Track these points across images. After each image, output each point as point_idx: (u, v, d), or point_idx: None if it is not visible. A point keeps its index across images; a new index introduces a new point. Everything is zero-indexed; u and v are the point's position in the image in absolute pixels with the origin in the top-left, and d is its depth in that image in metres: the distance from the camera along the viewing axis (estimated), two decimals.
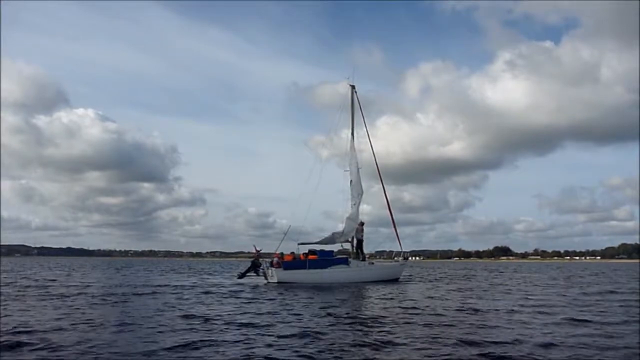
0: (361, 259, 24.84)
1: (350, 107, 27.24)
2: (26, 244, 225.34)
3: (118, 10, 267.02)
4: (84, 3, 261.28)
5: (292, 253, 23.74)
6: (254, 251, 24.55)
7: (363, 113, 27.04)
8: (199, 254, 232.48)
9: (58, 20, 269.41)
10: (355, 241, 25.26)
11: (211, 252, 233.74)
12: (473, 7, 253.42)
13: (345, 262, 23.95)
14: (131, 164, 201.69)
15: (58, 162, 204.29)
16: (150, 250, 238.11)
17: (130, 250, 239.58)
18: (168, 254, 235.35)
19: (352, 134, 26.79)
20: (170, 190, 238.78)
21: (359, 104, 27.13)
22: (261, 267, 23.61)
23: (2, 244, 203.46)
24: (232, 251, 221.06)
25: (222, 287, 20.28)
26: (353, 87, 27.52)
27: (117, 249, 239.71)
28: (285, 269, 22.59)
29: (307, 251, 24.02)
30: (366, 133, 26.79)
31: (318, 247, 24.20)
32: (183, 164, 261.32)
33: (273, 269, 22.68)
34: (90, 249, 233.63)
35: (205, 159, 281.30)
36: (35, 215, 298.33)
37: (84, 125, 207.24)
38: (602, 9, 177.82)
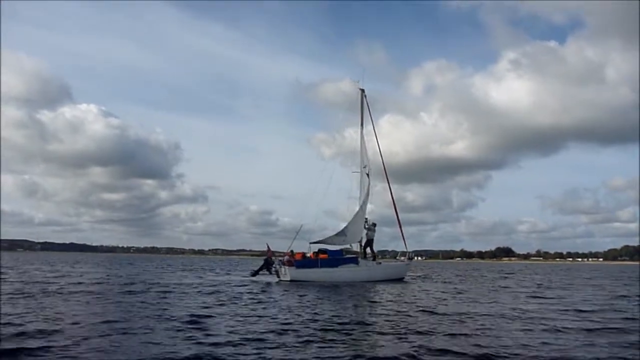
0: (371, 258, 25.53)
1: (359, 111, 27.79)
2: (29, 238, 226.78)
3: (121, 5, 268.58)
4: None
5: (304, 253, 24.41)
6: (266, 249, 25.21)
7: (372, 117, 27.63)
8: (200, 251, 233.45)
9: (61, 15, 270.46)
10: (364, 240, 25.89)
11: (213, 249, 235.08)
12: (477, 5, 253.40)
13: (355, 261, 24.64)
14: (134, 160, 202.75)
15: (61, 158, 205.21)
16: (153, 247, 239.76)
17: (133, 247, 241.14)
18: (170, 250, 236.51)
19: (362, 137, 27.31)
20: (173, 187, 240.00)
21: (369, 108, 27.71)
22: (273, 266, 24.32)
23: (5, 238, 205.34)
24: (234, 249, 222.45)
25: (245, 286, 20.49)
26: (363, 90, 28.08)
27: (120, 245, 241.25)
28: (298, 267, 23.23)
29: (316, 250, 24.73)
30: (373, 132, 27.27)
31: (328, 247, 24.88)
32: (185, 161, 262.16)
33: (285, 267, 23.35)
34: (93, 244, 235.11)
35: (207, 156, 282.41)
36: (38, 211, 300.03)
37: (87, 120, 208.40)
38: (607, 8, 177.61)
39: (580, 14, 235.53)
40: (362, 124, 27.49)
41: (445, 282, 26.23)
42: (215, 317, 10.42)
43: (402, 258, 27.69)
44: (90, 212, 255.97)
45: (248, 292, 16.91)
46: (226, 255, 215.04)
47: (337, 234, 25.29)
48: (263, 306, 12.72)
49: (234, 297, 14.96)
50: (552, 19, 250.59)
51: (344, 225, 25.57)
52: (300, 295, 15.96)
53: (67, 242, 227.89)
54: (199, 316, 10.34)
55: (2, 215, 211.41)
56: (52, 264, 43.73)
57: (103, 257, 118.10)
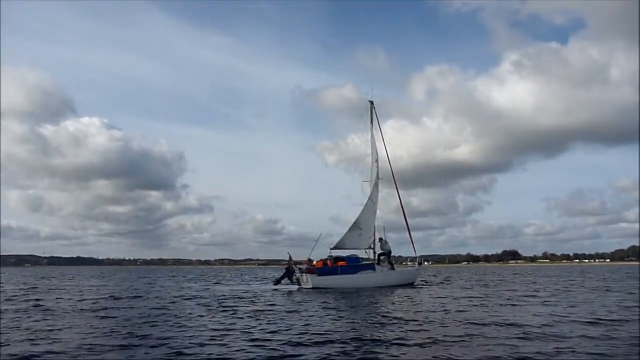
0: (389, 266, 26.55)
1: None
2: (36, 254, 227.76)
3: (122, 17, 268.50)
4: (87, 9, 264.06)
5: (323, 261, 25.50)
6: (289, 259, 26.29)
7: (381, 128, 28.61)
8: (207, 262, 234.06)
9: (63, 28, 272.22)
10: (380, 250, 26.87)
11: (220, 259, 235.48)
12: (479, 8, 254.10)
13: (372, 267, 25.76)
14: (138, 172, 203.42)
15: (65, 172, 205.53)
16: (160, 259, 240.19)
17: (140, 259, 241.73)
18: (177, 262, 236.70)
19: (372, 137, 28.14)
20: (178, 198, 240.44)
21: (378, 119, 28.79)
22: (295, 274, 25.44)
23: (13, 254, 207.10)
24: (241, 259, 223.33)
25: (273, 295, 20.76)
26: (372, 102, 29.12)
27: (127, 258, 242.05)
28: (320, 275, 24.33)
29: (332, 257, 25.68)
30: (382, 141, 28.14)
31: (347, 252, 26.02)
32: (190, 172, 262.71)
33: (307, 275, 24.45)
34: (100, 258, 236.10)
35: (212, 166, 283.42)
36: (44, 225, 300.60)
37: (91, 134, 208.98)
38: (608, 9, 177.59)
39: (581, 14, 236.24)
40: (372, 137, 28.41)
41: (454, 288, 27.02)
42: (260, 326, 10.89)
43: (410, 264, 28.54)
44: (96, 225, 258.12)
45: (285, 303, 17.47)
46: (233, 265, 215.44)
47: (351, 229, 26.14)
48: (299, 313, 13.62)
49: (269, 309, 15.03)
50: (554, 20, 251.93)
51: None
52: (330, 305, 16.92)
53: (74, 256, 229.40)
54: (248, 325, 10.95)
55: (10, 232, 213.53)
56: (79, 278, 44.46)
57: (114, 270, 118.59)
